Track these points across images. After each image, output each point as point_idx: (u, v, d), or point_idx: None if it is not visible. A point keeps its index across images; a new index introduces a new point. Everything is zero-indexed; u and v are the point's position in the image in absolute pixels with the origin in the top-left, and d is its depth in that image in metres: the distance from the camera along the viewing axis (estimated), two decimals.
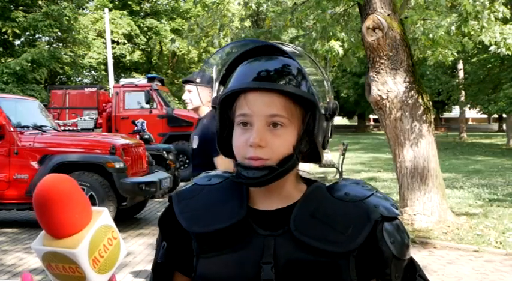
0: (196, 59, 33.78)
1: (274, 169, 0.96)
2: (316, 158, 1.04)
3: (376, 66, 6.66)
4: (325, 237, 0.96)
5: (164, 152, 10.02)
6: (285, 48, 1.02)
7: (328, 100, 1.02)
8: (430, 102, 7.05)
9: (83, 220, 0.78)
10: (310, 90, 0.98)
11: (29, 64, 19.52)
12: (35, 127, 7.66)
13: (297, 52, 1.04)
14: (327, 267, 0.96)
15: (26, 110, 7.96)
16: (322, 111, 1.00)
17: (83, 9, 29.88)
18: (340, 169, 11.95)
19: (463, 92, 26.08)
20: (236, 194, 1.04)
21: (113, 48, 28.23)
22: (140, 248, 6.35)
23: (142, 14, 32.98)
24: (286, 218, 0.98)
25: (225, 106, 1.03)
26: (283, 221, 0.99)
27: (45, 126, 7.86)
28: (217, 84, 1.11)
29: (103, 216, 0.80)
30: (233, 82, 1.01)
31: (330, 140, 1.07)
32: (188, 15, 32.11)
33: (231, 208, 1.01)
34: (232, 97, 1.01)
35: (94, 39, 28.98)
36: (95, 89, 14.20)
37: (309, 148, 1.01)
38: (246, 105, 0.98)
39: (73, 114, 13.73)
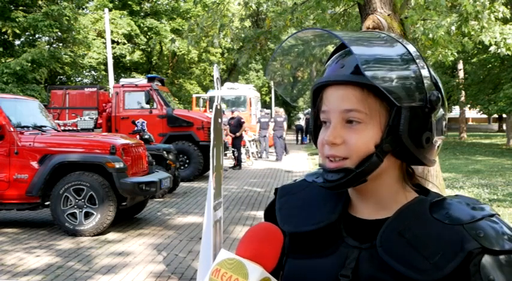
0: (196, 59, 33.78)
1: (350, 171, 0.88)
2: (416, 160, 0.92)
3: None
4: (409, 261, 0.85)
5: (164, 152, 10.02)
6: (357, 39, 0.93)
7: (424, 91, 0.89)
8: None
9: (268, 264, 0.84)
10: (392, 82, 0.86)
11: (29, 64, 19.51)
12: (35, 127, 7.66)
13: (380, 39, 0.93)
14: None
15: (26, 110, 7.95)
16: (412, 104, 0.87)
17: (83, 9, 29.86)
18: None
19: (463, 92, 26.09)
20: (336, 197, 0.98)
21: (113, 48, 28.22)
22: (140, 248, 6.35)
23: (142, 14, 32.96)
24: (378, 232, 0.90)
25: (316, 104, 0.98)
26: (375, 234, 0.90)
27: (45, 126, 7.86)
28: (217, 82, 1.09)
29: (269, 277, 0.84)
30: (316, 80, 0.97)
31: (439, 140, 0.93)
32: (188, 15, 32.09)
33: (325, 211, 0.97)
34: (319, 94, 0.96)
35: (94, 39, 28.97)
36: (95, 89, 14.19)
37: (397, 147, 0.89)
38: (325, 101, 0.93)
39: (73, 114, 13.72)
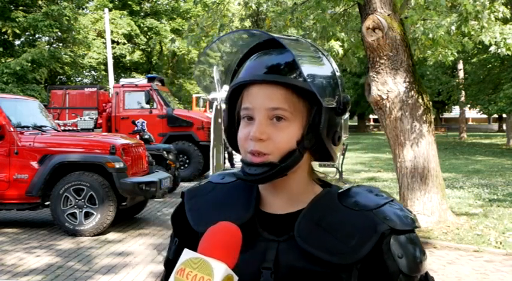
0: (196, 59, 33.79)
1: (274, 166, 0.93)
2: (327, 157, 1.00)
3: (376, 66, 6.66)
4: (328, 247, 0.92)
5: (164, 152, 10.02)
6: (288, 41, 0.98)
7: (338, 94, 0.98)
8: (430, 102, 7.05)
9: (230, 261, 0.86)
10: (318, 83, 0.94)
11: (29, 64, 19.52)
12: (35, 127, 7.66)
13: (305, 45, 1.01)
14: (328, 278, 0.92)
15: (26, 110, 7.95)
16: (331, 105, 0.95)
17: (83, 9, 29.88)
18: (340, 169, 11.95)
19: (463, 92, 26.07)
20: (246, 195, 1.02)
21: (113, 48, 28.23)
22: (140, 248, 6.35)
23: (142, 14, 32.97)
24: (293, 224, 0.95)
25: (233, 101, 1.01)
26: (290, 226, 0.95)
27: (45, 126, 7.86)
28: (218, 83, 1.10)
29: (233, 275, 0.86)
30: (238, 77, 0.99)
31: (343, 137, 1.02)
32: (188, 15, 32.12)
33: (239, 209, 1.00)
34: (238, 91, 0.99)
35: (94, 39, 29.00)
36: (95, 89, 14.19)
37: (315, 143, 0.96)
38: (248, 98, 0.96)
39: (73, 114, 13.72)
